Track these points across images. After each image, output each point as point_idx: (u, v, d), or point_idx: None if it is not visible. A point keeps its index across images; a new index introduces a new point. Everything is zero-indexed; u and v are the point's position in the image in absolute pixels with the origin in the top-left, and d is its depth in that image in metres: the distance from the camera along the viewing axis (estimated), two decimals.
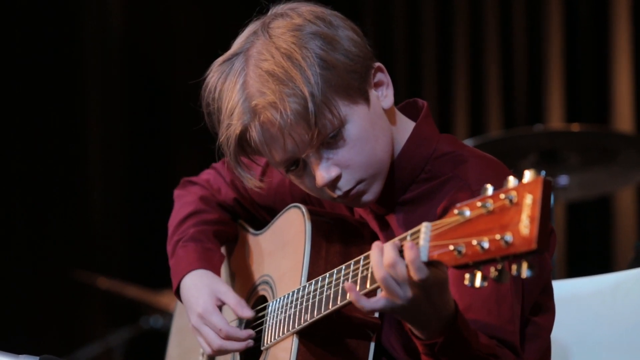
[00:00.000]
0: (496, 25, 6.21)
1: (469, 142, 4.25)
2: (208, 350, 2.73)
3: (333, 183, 2.52)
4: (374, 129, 2.53)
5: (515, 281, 2.44)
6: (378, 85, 2.57)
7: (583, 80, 5.93)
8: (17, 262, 6.77)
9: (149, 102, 7.13)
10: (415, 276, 2.14)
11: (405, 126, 2.64)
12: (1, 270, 6.72)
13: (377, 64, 2.58)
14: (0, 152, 6.79)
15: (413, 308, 2.21)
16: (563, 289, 3.03)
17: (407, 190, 2.61)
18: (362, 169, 2.52)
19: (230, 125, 2.52)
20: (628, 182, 5.30)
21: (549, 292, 2.60)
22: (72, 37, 7.00)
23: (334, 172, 2.50)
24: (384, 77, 2.58)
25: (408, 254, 2.14)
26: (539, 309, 2.55)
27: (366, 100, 2.53)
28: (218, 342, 2.70)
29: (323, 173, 2.50)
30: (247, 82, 2.50)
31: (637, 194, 5.74)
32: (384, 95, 2.57)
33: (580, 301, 3.10)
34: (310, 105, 2.43)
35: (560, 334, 2.92)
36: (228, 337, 2.69)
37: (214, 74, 2.58)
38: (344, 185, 2.52)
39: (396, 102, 2.64)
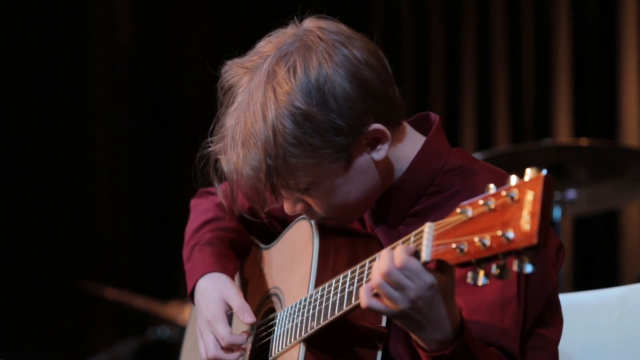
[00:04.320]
0: (504, 39, 6.22)
1: (476, 156, 4.26)
2: (204, 356, 2.75)
3: (302, 213, 2.61)
4: (348, 184, 2.57)
5: (519, 289, 2.45)
6: (374, 143, 2.58)
7: (591, 95, 5.94)
8: (24, 272, 6.78)
9: (157, 113, 7.15)
10: (414, 283, 2.17)
11: (415, 140, 2.65)
12: (8, 281, 6.72)
13: (374, 126, 2.56)
14: (8, 161, 6.81)
15: (415, 315, 2.22)
16: (570, 302, 3.03)
17: (417, 203, 2.62)
18: (330, 213, 2.61)
19: (210, 145, 2.62)
20: (635, 197, 5.29)
21: (555, 305, 2.60)
22: (80, 47, 7.01)
23: (299, 209, 2.61)
24: (382, 134, 2.57)
25: (403, 259, 2.19)
26: (544, 321, 2.55)
27: (346, 161, 2.55)
28: (213, 351, 2.72)
29: (289, 207, 2.61)
30: (231, 120, 2.57)
31: None
32: (377, 150, 2.59)
33: (587, 314, 3.10)
34: (265, 178, 2.51)
35: (567, 347, 2.92)
36: (230, 346, 2.70)
37: (229, 80, 2.64)
38: (314, 217, 2.62)
39: (405, 115, 2.65)
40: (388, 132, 2.57)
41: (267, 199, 2.60)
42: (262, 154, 2.50)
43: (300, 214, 2.63)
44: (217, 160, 2.61)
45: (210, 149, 2.60)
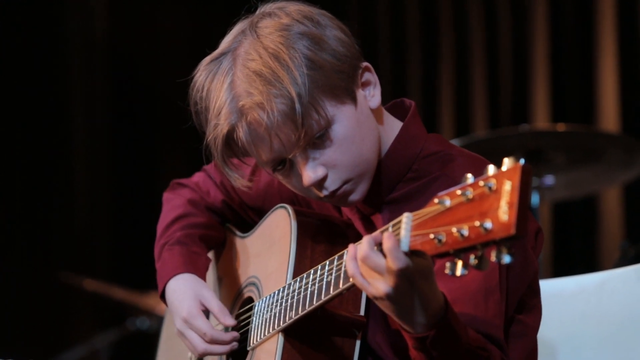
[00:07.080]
0: (481, 25, 6.22)
1: (454, 142, 4.26)
2: (194, 354, 2.73)
3: (319, 183, 2.52)
4: (360, 128, 2.53)
5: (501, 276, 2.45)
6: (365, 84, 2.57)
7: (568, 80, 5.95)
8: (2, 264, 6.75)
9: (134, 104, 7.12)
10: (393, 265, 2.15)
11: (393, 126, 2.64)
12: None
13: (365, 63, 2.58)
14: None
15: (398, 300, 2.20)
16: (548, 288, 3.04)
17: (394, 189, 2.61)
18: (349, 169, 2.52)
19: (218, 125, 2.53)
20: (613, 182, 5.32)
21: (535, 291, 2.60)
22: (56, 39, 6.98)
23: (320, 172, 2.51)
24: (371, 76, 2.58)
25: (386, 243, 2.16)
26: (524, 307, 2.55)
27: (353, 100, 2.53)
28: (203, 346, 2.71)
29: (309, 173, 2.51)
30: (235, 82, 2.50)
31: (622, 193, 5.75)
32: (371, 95, 2.58)
33: (566, 300, 3.10)
34: (297, 105, 2.44)
35: (545, 333, 2.92)
36: (213, 341, 2.69)
37: (202, 73, 2.58)
38: (331, 185, 2.53)
39: (382, 102, 2.64)
40: (375, 76, 2.58)
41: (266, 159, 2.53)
42: (288, 84, 2.43)
43: (321, 181, 2.52)
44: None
45: (220, 123, 2.52)
